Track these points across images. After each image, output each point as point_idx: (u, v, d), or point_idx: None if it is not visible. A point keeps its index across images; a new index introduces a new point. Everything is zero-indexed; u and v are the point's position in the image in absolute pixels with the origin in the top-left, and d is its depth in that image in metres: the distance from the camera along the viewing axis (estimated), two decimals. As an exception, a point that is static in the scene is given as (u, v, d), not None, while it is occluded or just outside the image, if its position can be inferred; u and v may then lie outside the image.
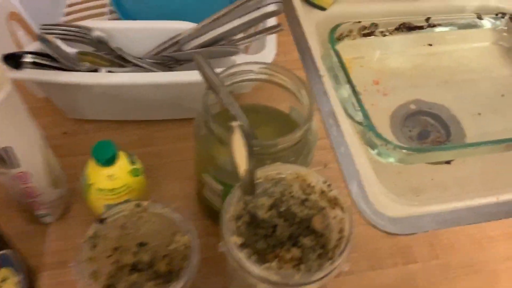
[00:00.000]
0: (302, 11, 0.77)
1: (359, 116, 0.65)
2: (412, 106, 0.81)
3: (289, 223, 0.41)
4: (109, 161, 0.45)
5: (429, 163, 0.72)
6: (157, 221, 0.44)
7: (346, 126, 0.64)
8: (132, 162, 0.48)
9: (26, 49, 0.50)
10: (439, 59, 0.84)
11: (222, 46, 0.51)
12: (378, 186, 0.59)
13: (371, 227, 0.54)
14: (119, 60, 0.54)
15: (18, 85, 0.59)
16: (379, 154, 0.66)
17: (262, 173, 0.38)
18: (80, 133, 0.59)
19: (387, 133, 0.76)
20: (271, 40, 0.54)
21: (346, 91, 0.68)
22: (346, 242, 0.34)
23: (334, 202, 0.37)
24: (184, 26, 0.54)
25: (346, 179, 0.58)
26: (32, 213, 0.48)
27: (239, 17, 0.50)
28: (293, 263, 0.37)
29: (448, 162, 0.73)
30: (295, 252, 0.38)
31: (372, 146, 0.66)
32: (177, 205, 0.47)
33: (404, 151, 0.64)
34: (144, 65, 0.54)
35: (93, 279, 0.41)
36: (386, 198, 0.58)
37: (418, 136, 0.78)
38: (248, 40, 0.52)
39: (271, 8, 0.49)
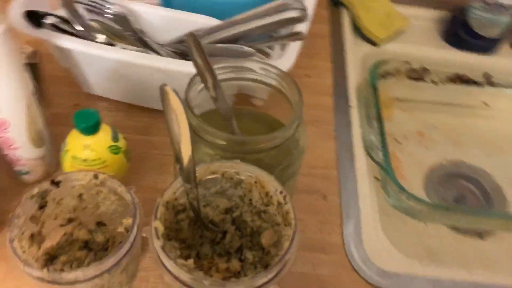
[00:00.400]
0: (350, 40, 0.74)
1: (379, 156, 0.60)
2: (453, 167, 0.74)
3: (241, 233, 0.36)
4: (88, 130, 0.44)
5: (458, 232, 0.64)
6: (117, 202, 0.42)
7: (361, 163, 0.58)
8: (115, 139, 0.46)
9: (53, 13, 0.52)
10: (493, 121, 0.76)
11: (237, 45, 0.49)
12: (378, 234, 0.52)
13: (354, 273, 0.47)
14: (139, 42, 0.54)
15: (45, 52, 0.62)
16: (393, 202, 0.59)
17: (218, 167, 0.34)
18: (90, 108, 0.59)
19: (418, 189, 0.69)
20: (293, 50, 0.51)
21: (373, 128, 0.63)
22: (278, 261, 0.29)
23: (285, 217, 0.32)
24: (208, 21, 0.53)
25: (343, 217, 0.52)
26: (12, 169, 0.48)
27: (260, 18, 0.48)
28: (226, 274, 0.33)
29: (481, 237, 0.64)
30: (235, 264, 0.34)
31: (387, 192, 0.59)
32: (153, 198, 0.45)
33: (420, 204, 0.57)
34: (162, 51, 0.53)
35: (30, 241, 0.39)
36: (384, 249, 0.51)
37: (453, 200, 0.70)
38: (266, 44, 0.50)
39: (293, 14, 0.47)
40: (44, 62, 0.63)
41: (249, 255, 0.34)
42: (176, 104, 0.27)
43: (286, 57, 0.50)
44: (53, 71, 0.62)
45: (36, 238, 0.40)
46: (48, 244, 0.42)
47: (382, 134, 0.61)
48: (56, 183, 0.39)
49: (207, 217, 0.36)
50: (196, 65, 0.39)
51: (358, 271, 0.47)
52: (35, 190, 0.38)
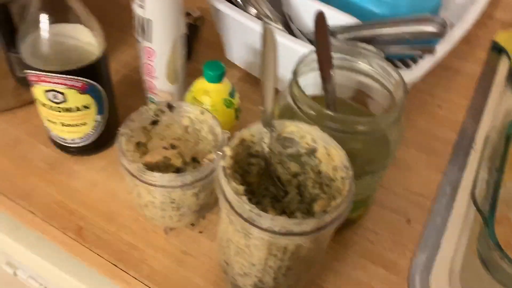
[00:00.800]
0: (499, 88, 0.69)
1: (485, 207, 0.55)
2: None
3: (301, 199, 0.38)
4: (212, 78, 0.50)
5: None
6: (212, 144, 0.47)
7: (461, 205, 0.54)
8: (231, 95, 0.52)
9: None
10: None
11: (368, 45, 0.51)
12: (454, 281, 0.48)
13: (407, 300, 0.45)
14: (284, 25, 0.59)
15: (209, 20, 0.71)
16: (483, 257, 0.54)
17: (297, 128, 0.36)
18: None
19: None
20: (422, 66, 0.50)
21: (491, 178, 0.58)
22: (312, 217, 0.30)
23: (342, 190, 0.33)
24: (347, 19, 0.56)
25: (420, 245, 0.50)
26: (145, 96, 0.57)
27: (397, 25, 0.49)
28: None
29: None
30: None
31: (481, 246, 0.54)
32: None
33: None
34: (302, 38, 0.58)
35: (136, 147, 0.46)
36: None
37: None
38: (396, 50, 0.50)
39: (432, 28, 0.47)
40: (206, 27, 0.73)
41: (298, 215, 0.35)
42: (272, 45, 0.30)
43: (413, 69, 0.50)
44: (210, 37, 0.71)
45: (141, 148, 0.47)
46: (149, 158, 0.48)
47: (497, 186, 0.56)
48: (171, 107, 0.46)
49: (275, 172, 0.38)
50: (316, 42, 0.41)
51: (413, 300, 0.45)
52: (153, 105, 0.45)
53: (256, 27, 0.55)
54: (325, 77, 0.42)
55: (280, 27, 0.57)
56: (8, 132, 0.55)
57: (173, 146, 0.49)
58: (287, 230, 0.30)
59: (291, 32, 0.58)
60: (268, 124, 0.34)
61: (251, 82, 0.65)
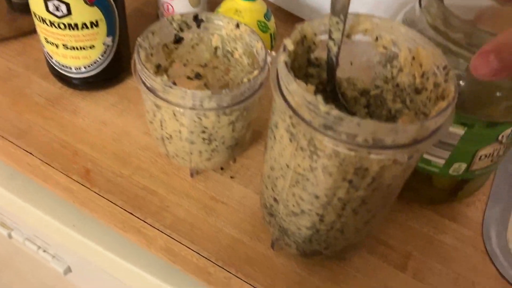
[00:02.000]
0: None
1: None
2: None
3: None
4: (244, -6, 0.42)
5: None
6: (247, 69, 0.39)
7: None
8: (267, 18, 0.43)
9: None
10: None
11: None
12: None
13: (486, 258, 0.37)
14: None
15: None
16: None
17: (374, 25, 0.28)
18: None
19: None
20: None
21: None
22: (419, 120, 0.22)
23: (441, 94, 0.25)
24: None
25: (490, 197, 0.42)
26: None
27: None
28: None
29: None
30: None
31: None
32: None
33: None
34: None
35: (155, 69, 0.37)
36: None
37: None
38: None
39: None
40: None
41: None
42: None
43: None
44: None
45: (160, 72, 0.39)
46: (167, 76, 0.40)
47: None
48: (198, 20, 0.37)
49: (339, 87, 0.30)
50: None
51: (491, 256, 0.37)
52: (177, 17, 0.36)
53: None
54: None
55: None
56: (1, 64, 0.47)
57: (198, 76, 0.41)
58: (376, 140, 0.22)
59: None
60: (341, 12, 0.25)
61: (281, 18, 0.56)
